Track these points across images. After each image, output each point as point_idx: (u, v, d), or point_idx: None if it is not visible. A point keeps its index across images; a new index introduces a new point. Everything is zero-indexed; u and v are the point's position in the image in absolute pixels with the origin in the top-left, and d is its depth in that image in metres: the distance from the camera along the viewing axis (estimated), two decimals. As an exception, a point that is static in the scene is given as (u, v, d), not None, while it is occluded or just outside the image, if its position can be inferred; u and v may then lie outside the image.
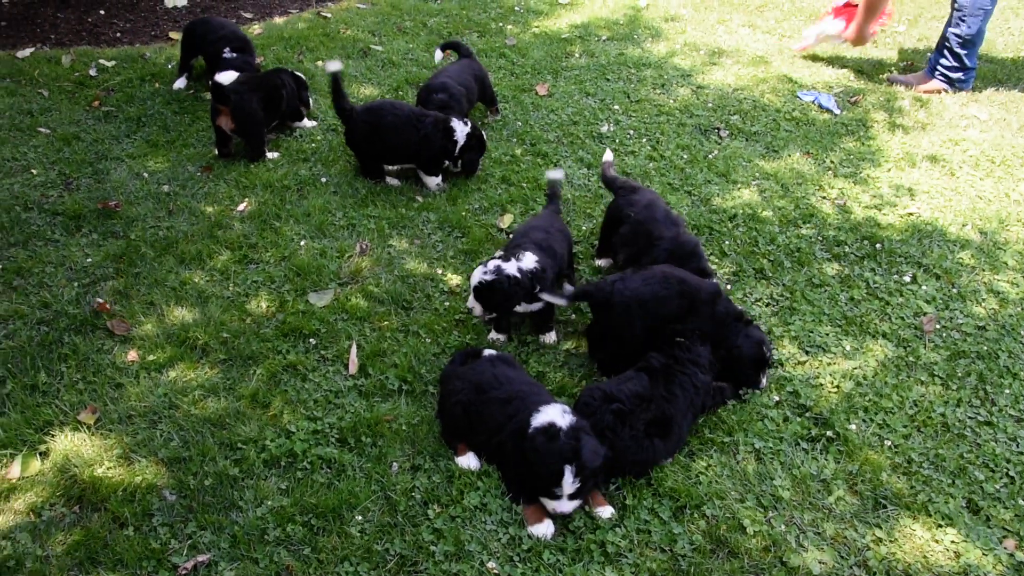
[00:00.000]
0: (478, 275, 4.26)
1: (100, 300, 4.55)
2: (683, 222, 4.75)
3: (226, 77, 5.65)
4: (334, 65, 5.42)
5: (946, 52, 7.07)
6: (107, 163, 5.78)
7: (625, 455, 3.62)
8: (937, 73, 7.18)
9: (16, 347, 4.23)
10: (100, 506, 3.48)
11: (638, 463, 3.66)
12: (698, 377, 3.87)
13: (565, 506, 3.40)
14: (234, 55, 6.31)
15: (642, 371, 3.89)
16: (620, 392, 3.73)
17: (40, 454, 3.69)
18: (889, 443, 3.96)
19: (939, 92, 7.18)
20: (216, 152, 5.87)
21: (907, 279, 5.00)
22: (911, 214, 5.60)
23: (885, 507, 3.66)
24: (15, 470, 3.60)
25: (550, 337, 4.49)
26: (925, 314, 4.74)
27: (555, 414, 3.47)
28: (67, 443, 3.73)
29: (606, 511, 3.51)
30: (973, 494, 3.73)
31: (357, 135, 5.56)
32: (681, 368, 3.87)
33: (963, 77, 7.15)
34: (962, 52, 6.99)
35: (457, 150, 5.57)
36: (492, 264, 4.25)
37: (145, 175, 5.65)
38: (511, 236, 4.78)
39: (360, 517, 3.47)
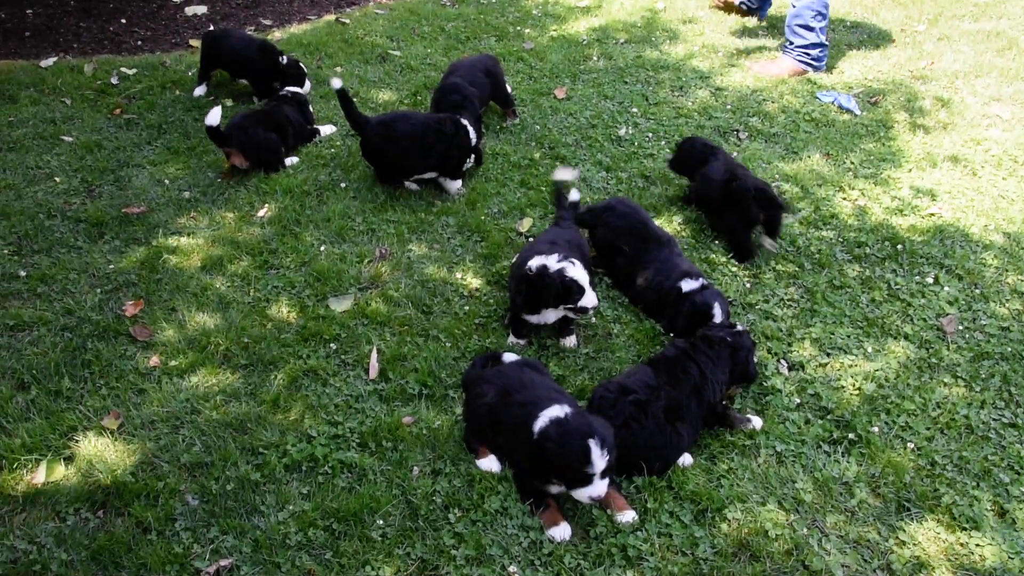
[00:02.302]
0: (581, 273, 4.17)
1: (131, 302, 4.61)
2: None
3: (214, 118, 5.43)
4: (338, 82, 5.42)
5: (799, 29, 7.12)
6: (129, 170, 5.83)
7: (650, 442, 3.65)
8: (797, 54, 7.26)
9: (40, 353, 4.27)
10: (124, 511, 3.51)
11: (661, 449, 3.69)
12: (706, 381, 3.88)
13: (600, 487, 3.34)
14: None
15: (647, 364, 3.98)
16: (633, 383, 3.78)
17: (64, 459, 3.73)
18: (912, 445, 3.93)
19: (803, 73, 7.28)
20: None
21: (929, 280, 4.96)
22: (933, 215, 5.55)
23: (908, 510, 3.63)
24: (40, 475, 3.63)
25: (570, 341, 4.48)
26: (947, 315, 4.71)
27: (554, 411, 3.46)
28: (91, 448, 3.76)
29: (627, 515, 3.50)
30: (999, 497, 3.70)
31: (372, 147, 5.54)
32: (685, 369, 3.88)
33: (821, 54, 7.25)
34: (818, 25, 7.07)
35: (473, 144, 5.60)
36: (554, 257, 4.22)
37: (166, 182, 5.70)
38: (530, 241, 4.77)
39: (381, 521, 3.48)
